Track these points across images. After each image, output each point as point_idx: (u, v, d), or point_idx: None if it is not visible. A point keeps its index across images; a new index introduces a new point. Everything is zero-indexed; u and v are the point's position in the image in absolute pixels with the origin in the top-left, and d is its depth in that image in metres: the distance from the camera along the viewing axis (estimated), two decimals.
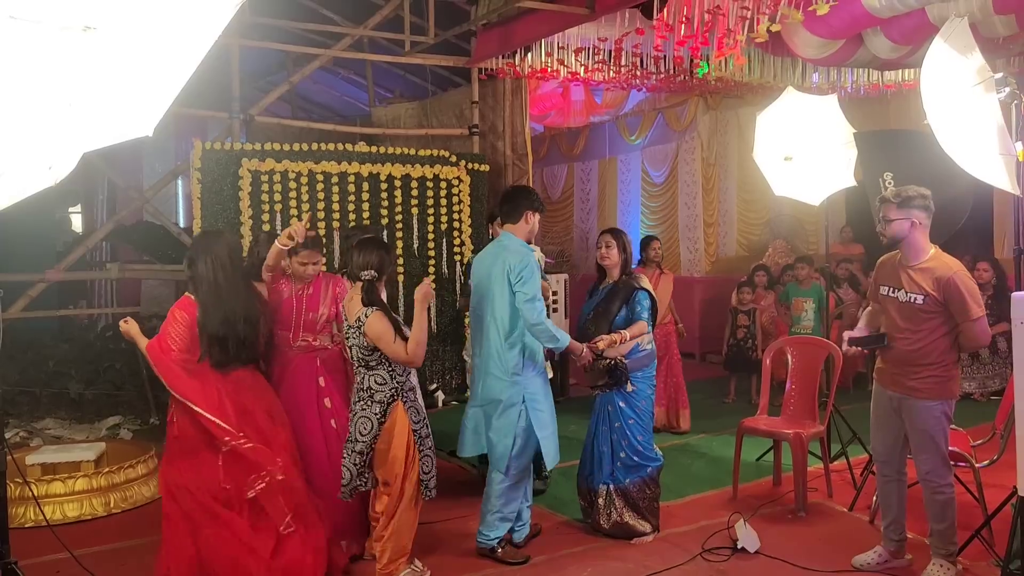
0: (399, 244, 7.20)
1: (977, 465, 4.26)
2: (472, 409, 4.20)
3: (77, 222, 11.54)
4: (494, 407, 4.06)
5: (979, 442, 4.52)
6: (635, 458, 4.36)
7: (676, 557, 4.11)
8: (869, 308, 4.18)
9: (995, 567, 3.85)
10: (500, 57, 7.73)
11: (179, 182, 10.67)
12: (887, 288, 3.88)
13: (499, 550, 4.11)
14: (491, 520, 4.13)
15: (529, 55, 7.61)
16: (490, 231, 5.57)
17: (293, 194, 6.77)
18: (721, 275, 10.29)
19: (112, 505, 4.81)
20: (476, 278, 4.23)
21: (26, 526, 4.54)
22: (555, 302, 7.70)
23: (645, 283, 4.46)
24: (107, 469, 4.90)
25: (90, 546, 4.32)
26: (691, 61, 7.84)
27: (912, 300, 3.74)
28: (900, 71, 7.33)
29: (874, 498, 4.64)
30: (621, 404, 4.37)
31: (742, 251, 10.63)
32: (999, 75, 3.21)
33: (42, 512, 4.32)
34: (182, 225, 9.39)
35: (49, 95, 1.44)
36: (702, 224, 10.51)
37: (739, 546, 4.14)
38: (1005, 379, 7.13)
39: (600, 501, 4.38)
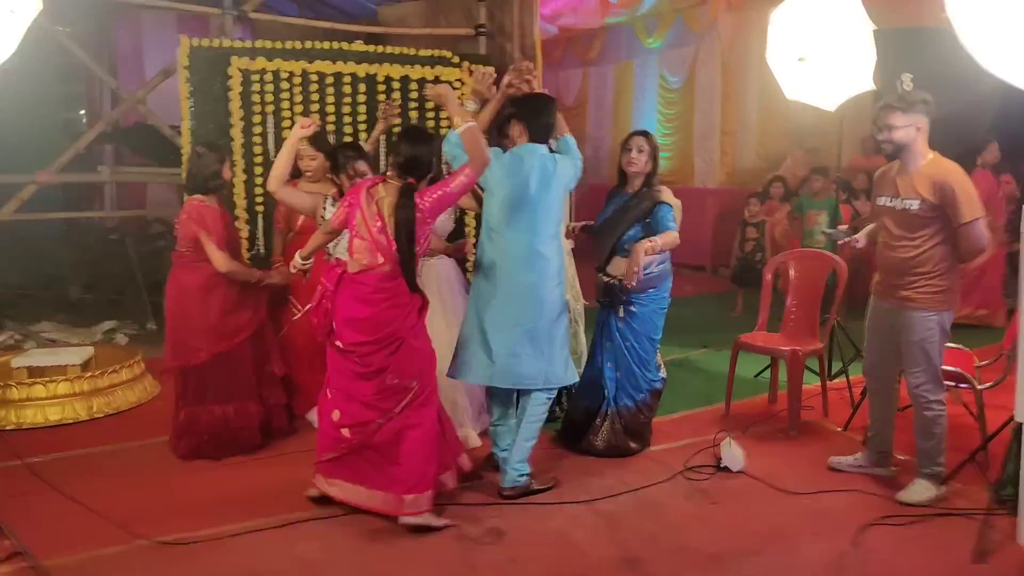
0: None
1: (979, 387, 4.07)
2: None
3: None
4: (547, 318, 3.74)
5: (984, 363, 4.33)
6: (630, 381, 4.20)
7: (657, 474, 4.01)
8: (871, 225, 3.96)
9: (987, 492, 3.71)
10: None
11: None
12: (884, 198, 3.69)
13: (533, 482, 3.80)
14: (527, 448, 3.79)
15: None
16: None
17: (286, 95, 6.48)
18: (736, 187, 9.94)
19: (95, 409, 4.78)
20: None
21: (7, 428, 4.53)
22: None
23: (668, 196, 4.10)
24: (90, 373, 4.85)
25: (67, 450, 4.32)
26: None
27: (908, 206, 3.57)
28: None
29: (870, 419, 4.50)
30: (619, 325, 4.16)
31: (760, 162, 10.23)
32: None
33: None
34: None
35: None
36: (719, 133, 10.08)
37: (722, 465, 4.02)
38: None
39: (598, 421, 4.22)
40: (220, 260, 4.07)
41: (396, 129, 6.42)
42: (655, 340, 4.25)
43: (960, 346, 4.42)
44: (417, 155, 3.46)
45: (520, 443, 3.74)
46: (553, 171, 3.75)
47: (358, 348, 3.43)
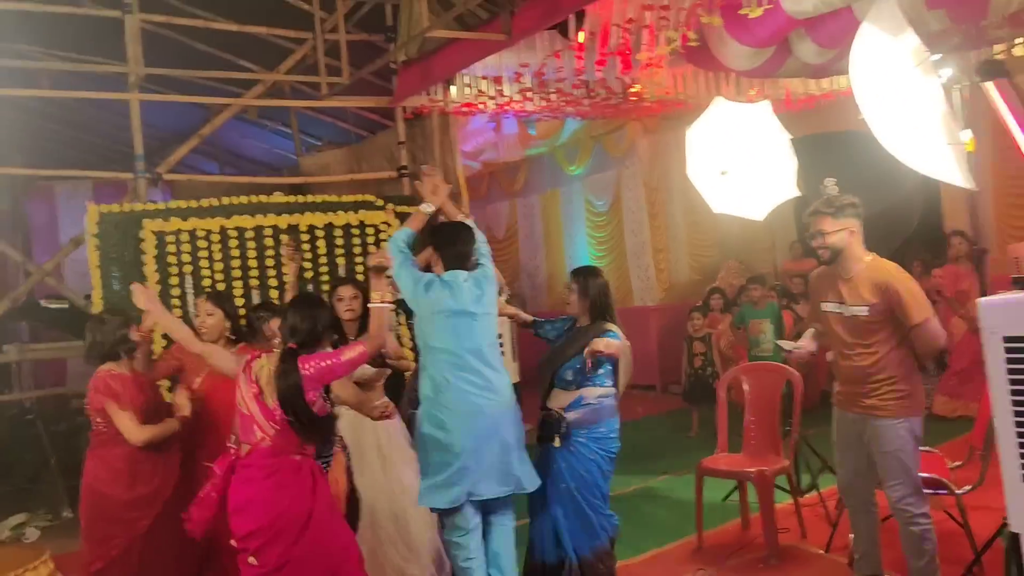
0: (327, 297, 6.69)
1: (958, 491, 3.84)
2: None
3: None
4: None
5: (956, 464, 4.12)
6: (585, 528, 3.78)
7: None
8: (812, 329, 3.82)
9: None
10: (424, 94, 7.37)
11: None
12: (831, 304, 3.56)
13: None
14: None
15: (452, 89, 7.27)
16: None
17: (203, 253, 6.25)
18: (676, 302, 9.93)
19: None
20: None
21: None
22: (501, 345, 7.22)
23: (613, 327, 3.90)
24: None
25: None
26: (619, 81, 7.57)
27: (857, 313, 3.44)
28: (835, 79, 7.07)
29: (850, 535, 4.21)
30: (562, 464, 3.77)
31: (695, 275, 10.29)
32: (937, 56, 2.87)
33: None
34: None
35: None
36: (651, 250, 10.15)
37: None
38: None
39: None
40: (130, 430, 3.68)
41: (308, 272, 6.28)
42: (604, 486, 3.86)
43: (929, 448, 4.22)
44: (298, 322, 3.25)
45: None
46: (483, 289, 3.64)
47: (250, 541, 3.05)
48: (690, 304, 8.49)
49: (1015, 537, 3.06)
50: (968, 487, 3.83)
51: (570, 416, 3.74)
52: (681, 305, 9.30)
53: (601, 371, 3.82)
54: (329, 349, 3.31)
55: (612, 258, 10.64)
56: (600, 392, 3.82)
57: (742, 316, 7.44)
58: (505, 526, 3.68)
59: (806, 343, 3.83)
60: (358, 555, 3.25)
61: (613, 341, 3.76)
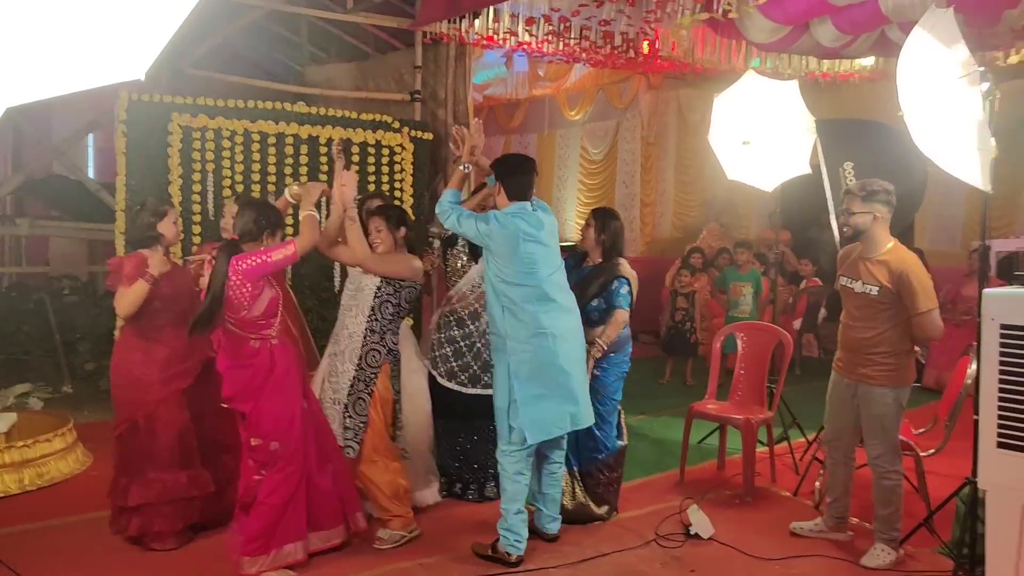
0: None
1: (923, 453, 4.34)
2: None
3: None
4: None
5: (920, 430, 4.62)
6: (589, 442, 4.27)
7: (630, 541, 4.07)
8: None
9: (937, 554, 3.94)
10: (446, 21, 7.46)
11: (91, 136, 10.04)
12: (847, 279, 3.94)
13: None
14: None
15: (477, 21, 7.37)
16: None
17: (227, 153, 6.37)
18: (655, 256, 10.33)
19: (27, 482, 4.44)
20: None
21: None
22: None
23: (625, 269, 4.28)
24: (21, 443, 4.51)
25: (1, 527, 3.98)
26: (638, 38, 7.78)
27: (868, 291, 3.82)
28: (853, 61, 7.42)
29: (816, 484, 4.72)
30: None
31: (676, 232, 10.70)
32: (983, 68, 3.21)
33: None
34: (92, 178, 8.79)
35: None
36: (639, 204, 10.51)
37: (692, 532, 4.11)
38: None
39: (564, 483, 4.25)
40: (119, 305, 3.89)
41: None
42: (615, 401, 4.35)
43: None
44: (242, 216, 3.67)
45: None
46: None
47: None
48: (669, 259, 8.89)
49: (975, 497, 3.55)
50: (932, 451, 4.32)
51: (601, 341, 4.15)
52: (660, 259, 9.71)
53: (623, 290, 4.22)
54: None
55: (600, 206, 10.99)
56: (623, 319, 4.23)
57: (724, 277, 7.88)
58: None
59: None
60: (296, 424, 3.64)
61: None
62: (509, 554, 3.79)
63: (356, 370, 3.93)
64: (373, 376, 3.93)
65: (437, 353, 4.46)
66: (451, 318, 4.48)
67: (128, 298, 3.86)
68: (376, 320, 3.95)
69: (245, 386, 3.56)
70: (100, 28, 1.19)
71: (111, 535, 3.93)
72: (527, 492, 3.88)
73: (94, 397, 6.43)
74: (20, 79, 1.23)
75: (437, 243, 4.74)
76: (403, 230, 4.15)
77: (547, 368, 3.74)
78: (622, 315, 4.21)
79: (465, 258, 4.63)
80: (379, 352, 3.96)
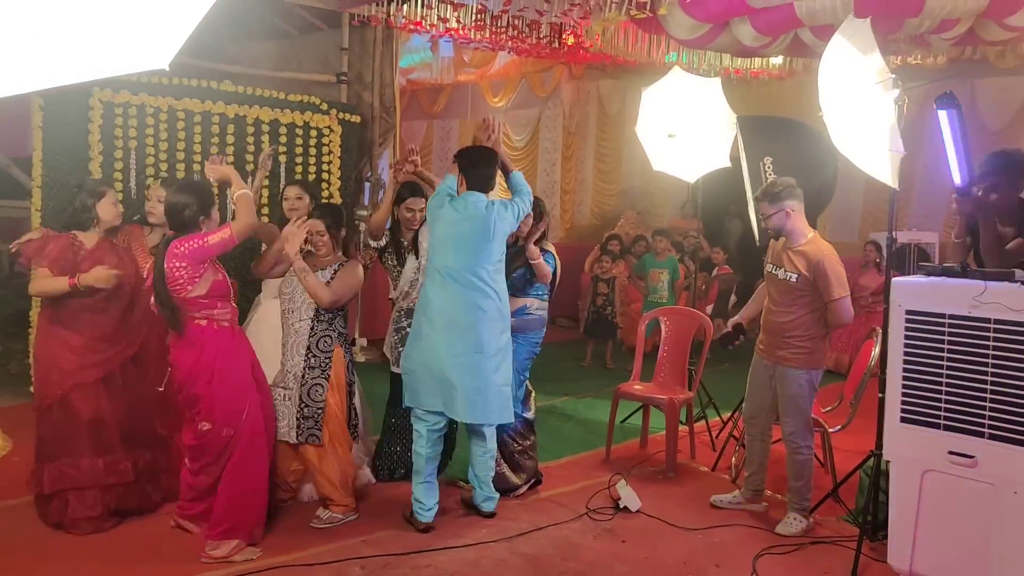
0: (265, 193, 6.81)
1: (831, 430, 4.69)
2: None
3: None
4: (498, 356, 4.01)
5: (827, 408, 4.99)
6: None
7: (563, 515, 4.26)
8: (762, 285, 4.52)
9: (843, 521, 4.29)
10: (374, 3, 7.46)
11: None
12: (772, 266, 4.22)
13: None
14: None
15: (406, 6, 7.40)
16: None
17: (150, 131, 6.24)
18: (573, 242, 10.58)
19: None
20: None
21: None
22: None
23: (549, 247, 4.57)
24: None
25: None
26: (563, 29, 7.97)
27: (788, 278, 4.10)
28: (764, 60, 7.80)
29: (732, 459, 5.03)
30: None
31: (594, 220, 10.98)
32: (894, 76, 3.50)
33: None
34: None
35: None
36: (559, 191, 10.73)
37: (621, 505, 4.34)
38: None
39: None
40: (32, 286, 3.89)
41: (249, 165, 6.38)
42: (523, 377, 4.54)
43: None
44: (174, 205, 3.64)
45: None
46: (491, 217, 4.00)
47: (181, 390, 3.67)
48: (587, 246, 9.13)
49: (878, 469, 3.89)
50: (838, 427, 4.67)
51: (514, 322, 4.29)
52: (578, 246, 9.96)
53: (550, 259, 4.51)
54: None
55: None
56: (539, 304, 4.51)
57: (643, 264, 8.18)
58: None
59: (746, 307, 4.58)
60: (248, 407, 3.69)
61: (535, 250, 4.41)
62: (418, 521, 3.99)
63: (306, 358, 3.96)
64: (327, 361, 3.98)
65: (396, 350, 4.56)
66: (401, 313, 4.60)
67: (43, 287, 3.83)
68: (322, 313, 4.01)
69: (193, 366, 3.56)
70: (129, 15, 1.24)
71: (38, 520, 3.87)
72: (425, 464, 4.04)
73: (6, 381, 6.21)
74: (45, 65, 1.26)
75: (373, 243, 4.79)
76: (343, 231, 4.21)
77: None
78: (547, 267, 4.43)
79: (394, 260, 4.70)
80: (330, 337, 4.01)
